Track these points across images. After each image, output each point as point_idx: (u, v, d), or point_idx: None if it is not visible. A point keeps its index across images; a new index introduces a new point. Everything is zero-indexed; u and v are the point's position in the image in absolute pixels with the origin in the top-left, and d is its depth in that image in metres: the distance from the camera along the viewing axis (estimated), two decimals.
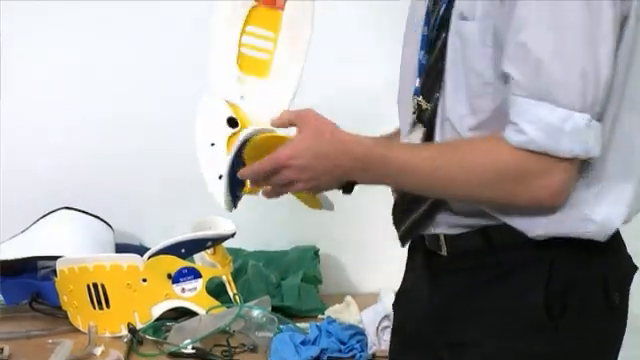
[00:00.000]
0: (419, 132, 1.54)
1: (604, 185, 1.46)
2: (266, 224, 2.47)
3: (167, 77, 2.47)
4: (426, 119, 1.53)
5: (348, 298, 2.27)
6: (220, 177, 1.53)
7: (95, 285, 2.09)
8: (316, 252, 2.48)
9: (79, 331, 2.12)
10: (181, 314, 2.09)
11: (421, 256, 1.59)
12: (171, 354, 1.96)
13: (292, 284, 2.30)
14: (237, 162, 1.52)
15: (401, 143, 1.57)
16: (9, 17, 2.42)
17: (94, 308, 2.09)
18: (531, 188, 1.41)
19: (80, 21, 2.45)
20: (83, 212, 2.37)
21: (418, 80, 1.55)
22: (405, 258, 1.66)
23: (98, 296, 2.09)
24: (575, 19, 1.35)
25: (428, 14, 1.55)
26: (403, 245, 1.62)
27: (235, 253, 2.33)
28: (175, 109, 2.40)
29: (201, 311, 2.08)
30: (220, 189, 1.54)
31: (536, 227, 1.49)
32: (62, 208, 2.37)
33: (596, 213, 1.48)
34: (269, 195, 1.54)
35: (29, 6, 2.42)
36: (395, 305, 1.72)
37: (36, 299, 2.26)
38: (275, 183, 1.50)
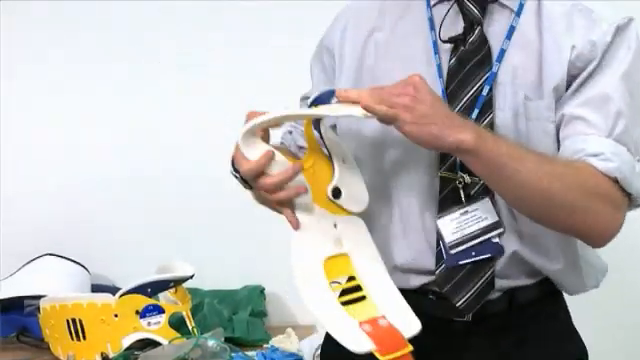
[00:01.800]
0: (486, 204, 1.43)
1: None
2: (220, 267, 2.54)
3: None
4: (476, 193, 1.44)
5: (289, 330, 2.31)
6: None
7: (74, 320, 2.15)
8: (262, 290, 2.55)
9: None
10: (147, 344, 2.14)
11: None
12: None
13: (242, 318, 2.37)
14: None
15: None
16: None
17: (72, 340, 2.16)
18: (608, 215, 1.35)
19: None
20: (64, 258, 2.46)
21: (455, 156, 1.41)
22: None
23: (76, 329, 2.15)
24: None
25: (450, 76, 1.45)
26: (465, 315, 1.46)
27: (193, 292, 2.38)
28: (152, 165, 2.59)
29: (164, 341, 2.13)
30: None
31: (591, 280, 1.51)
32: (46, 254, 2.46)
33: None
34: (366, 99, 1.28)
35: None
36: None
37: (22, 332, 2.36)
38: (392, 93, 1.28)
